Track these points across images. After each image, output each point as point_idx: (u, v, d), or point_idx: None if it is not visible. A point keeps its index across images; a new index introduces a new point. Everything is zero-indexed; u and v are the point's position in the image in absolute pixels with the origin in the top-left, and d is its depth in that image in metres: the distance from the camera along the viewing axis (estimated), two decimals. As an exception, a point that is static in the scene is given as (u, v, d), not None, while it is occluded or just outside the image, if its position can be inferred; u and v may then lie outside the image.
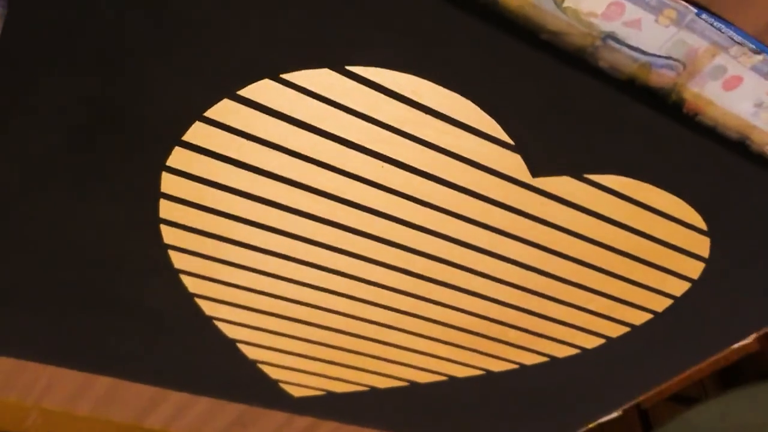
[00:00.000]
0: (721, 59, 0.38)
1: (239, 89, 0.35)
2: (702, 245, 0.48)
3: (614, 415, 0.70)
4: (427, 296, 0.50)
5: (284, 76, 0.35)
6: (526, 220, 0.44)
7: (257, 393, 0.59)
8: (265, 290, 0.49)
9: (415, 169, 0.40)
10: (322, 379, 0.58)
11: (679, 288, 0.52)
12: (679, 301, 0.53)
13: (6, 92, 0.34)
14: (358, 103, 0.37)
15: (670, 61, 0.38)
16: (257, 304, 0.50)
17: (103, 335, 0.51)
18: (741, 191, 0.44)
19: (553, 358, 0.58)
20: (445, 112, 0.37)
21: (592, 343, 0.57)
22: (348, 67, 0.35)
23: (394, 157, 0.40)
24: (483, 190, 0.42)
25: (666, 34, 0.36)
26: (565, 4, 0.34)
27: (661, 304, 0.53)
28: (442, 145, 0.39)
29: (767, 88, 0.40)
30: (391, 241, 0.45)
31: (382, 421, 0.64)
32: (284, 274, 0.47)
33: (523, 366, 0.59)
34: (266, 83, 0.35)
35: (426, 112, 0.37)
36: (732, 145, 0.42)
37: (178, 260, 0.45)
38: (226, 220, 0.43)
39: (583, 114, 0.38)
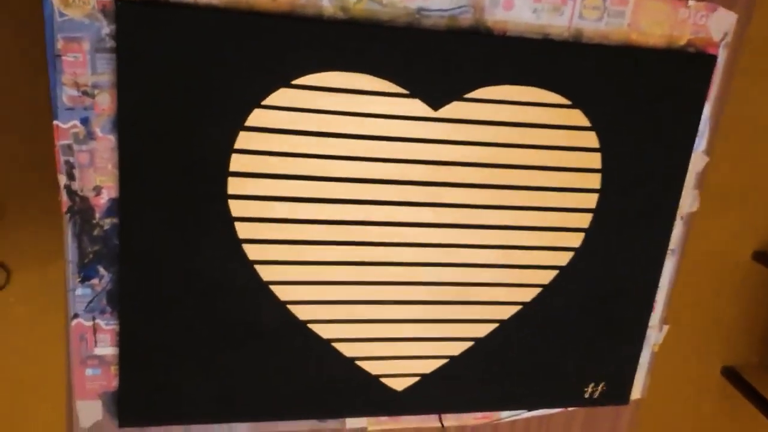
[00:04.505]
0: (489, -6, 0.65)
1: (244, 122, 0.63)
2: (578, 118, 0.70)
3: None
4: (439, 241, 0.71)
5: (264, 102, 0.63)
6: (451, 146, 0.68)
7: (368, 397, 0.75)
8: (346, 279, 0.70)
9: (364, 135, 0.66)
10: (412, 361, 0.75)
11: (595, 180, 0.72)
12: (602, 195, 0.73)
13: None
14: (313, 103, 0.64)
15: (463, 8, 0.65)
16: (341, 295, 0.70)
17: (243, 374, 0.71)
18: (566, 67, 0.68)
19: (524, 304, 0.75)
20: (358, 88, 0.64)
21: (561, 259, 0.75)
22: (293, 82, 0.63)
23: (348, 132, 0.65)
24: (410, 133, 0.67)
25: (448, -7, 0.65)
26: (385, 2, 0.64)
27: (589, 200, 0.73)
28: (372, 111, 0.65)
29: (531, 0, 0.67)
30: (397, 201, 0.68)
31: (472, 399, 0.78)
32: (363, 258, 0.69)
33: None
34: (257, 112, 0.63)
35: (349, 93, 0.64)
36: (539, 42, 0.67)
37: (265, 273, 0.68)
38: (293, 224, 0.67)
39: (437, 56, 0.65)
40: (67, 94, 0.60)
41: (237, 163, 0.64)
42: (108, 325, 0.68)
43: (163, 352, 0.68)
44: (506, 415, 0.82)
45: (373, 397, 0.75)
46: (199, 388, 0.70)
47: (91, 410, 0.70)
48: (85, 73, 0.60)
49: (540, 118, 0.69)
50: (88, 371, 0.69)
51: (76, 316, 0.67)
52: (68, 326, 0.67)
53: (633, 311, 0.79)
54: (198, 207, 0.64)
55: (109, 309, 0.67)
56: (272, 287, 0.69)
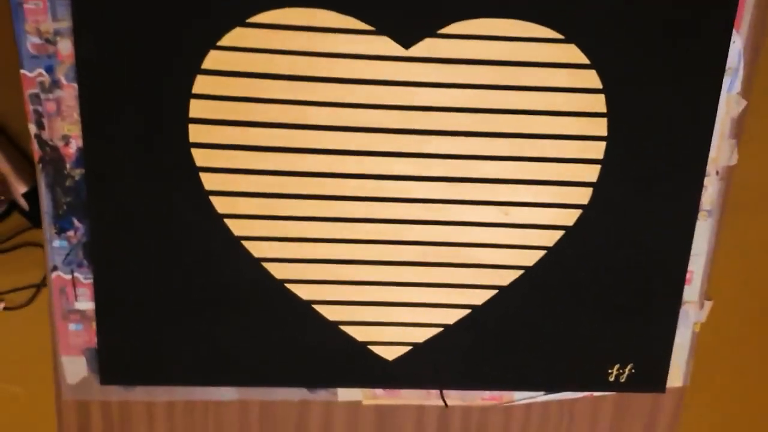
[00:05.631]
0: None
1: (201, 65, 0.61)
2: (574, 54, 0.63)
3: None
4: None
5: (219, 43, 0.61)
6: (427, 89, 0.63)
7: (357, 366, 0.70)
8: (323, 237, 0.66)
9: (329, 78, 0.62)
10: (402, 329, 0.70)
11: (600, 127, 0.64)
12: (610, 143, 0.64)
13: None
14: (271, 43, 0.61)
15: (433, -64, 0.60)
16: (318, 253, 0.66)
17: (204, 336, 0.69)
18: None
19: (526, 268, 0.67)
20: (319, 25, 0.61)
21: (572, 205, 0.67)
22: (248, 20, 0.60)
23: (311, 75, 0.62)
24: (380, 74, 0.62)
25: None
26: (344, -67, 0.60)
27: (595, 150, 0.65)
28: (336, 51, 0.61)
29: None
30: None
31: (472, 374, 0.71)
32: (341, 214, 0.65)
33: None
34: (213, 54, 0.61)
35: (309, 31, 0.61)
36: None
37: (236, 227, 0.66)
38: (261, 176, 0.63)
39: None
40: (30, 42, 0.61)
41: (197, 108, 0.62)
42: (87, 279, 0.68)
43: (139, 308, 0.67)
44: (520, 397, 0.74)
45: (362, 366, 0.71)
46: (179, 348, 0.69)
47: (76, 366, 0.70)
48: (46, 20, 0.61)
49: (528, 55, 0.62)
50: (71, 326, 0.69)
51: (55, 268, 0.67)
52: (49, 279, 0.68)
53: (659, 281, 0.69)
54: (162, 157, 0.63)
55: (86, 263, 0.67)
56: (245, 243, 0.66)
